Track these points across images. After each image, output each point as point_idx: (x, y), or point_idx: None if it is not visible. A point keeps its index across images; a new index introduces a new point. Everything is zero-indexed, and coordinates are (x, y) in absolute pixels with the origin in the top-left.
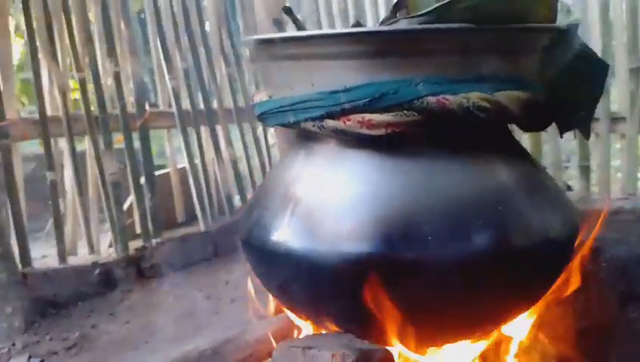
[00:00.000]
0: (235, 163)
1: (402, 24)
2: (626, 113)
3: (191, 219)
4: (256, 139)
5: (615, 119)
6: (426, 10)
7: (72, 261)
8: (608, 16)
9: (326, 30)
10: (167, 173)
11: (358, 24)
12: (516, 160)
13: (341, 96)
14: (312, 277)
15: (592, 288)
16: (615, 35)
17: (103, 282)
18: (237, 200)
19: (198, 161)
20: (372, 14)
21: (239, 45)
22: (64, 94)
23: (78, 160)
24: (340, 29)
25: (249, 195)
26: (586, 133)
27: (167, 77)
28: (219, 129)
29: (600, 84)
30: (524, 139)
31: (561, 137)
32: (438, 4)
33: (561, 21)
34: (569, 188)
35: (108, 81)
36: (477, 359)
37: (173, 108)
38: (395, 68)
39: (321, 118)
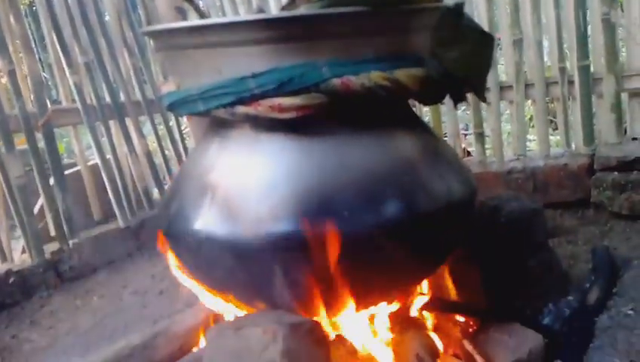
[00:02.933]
0: (149, 155)
1: (301, 10)
2: (513, 81)
3: (109, 216)
4: (170, 130)
5: (503, 87)
6: None
7: None
8: None
9: (229, 18)
10: (79, 171)
11: (260, 11)
12: (417, 132)
13: (250, 82)
14: (236, 259)
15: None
16: (499, 11)
17: (19, 290)
18: (155, 193)
19: (110, 156)
20: (275, 0)
21: (142, 35)
22: None
23: None
24: (243, 15)
25: (167, 187)
26: (482, 98)
27: (67, 72)
28: (129, 122)
29: (488, 55)
30: (426, 112)
31: (455, 108)
32: None
33: (449, 1)
34: (469, 153)
35: (3, 80)
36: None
37: (78, 104)
38: (299, 52)
39: (232, 104)
